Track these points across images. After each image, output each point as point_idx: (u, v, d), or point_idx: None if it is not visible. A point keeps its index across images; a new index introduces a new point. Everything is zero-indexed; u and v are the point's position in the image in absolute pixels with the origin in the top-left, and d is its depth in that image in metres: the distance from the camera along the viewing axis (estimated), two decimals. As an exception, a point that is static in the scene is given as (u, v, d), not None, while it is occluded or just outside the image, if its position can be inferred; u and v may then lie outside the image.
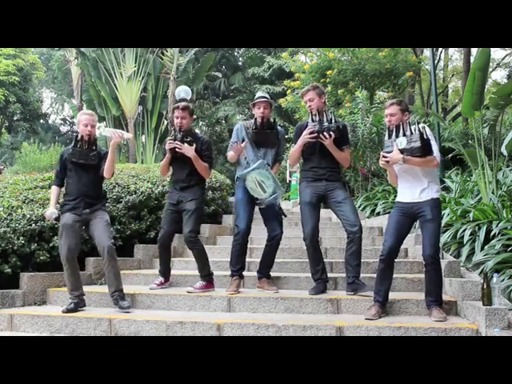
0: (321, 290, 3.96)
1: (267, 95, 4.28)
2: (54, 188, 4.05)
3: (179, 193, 4.24)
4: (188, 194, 4.22)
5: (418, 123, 3.51)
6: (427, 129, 3.57)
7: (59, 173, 4.03)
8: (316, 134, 3.84)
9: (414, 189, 3.54)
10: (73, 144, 3.94)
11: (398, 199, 3.67)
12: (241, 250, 4.15)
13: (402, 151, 3.42)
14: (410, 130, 3.46)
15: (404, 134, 3.47)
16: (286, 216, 4.26)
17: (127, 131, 16.13)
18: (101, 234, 3.83)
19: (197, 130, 22.44)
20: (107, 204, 5.07)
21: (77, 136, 3.96)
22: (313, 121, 3.90)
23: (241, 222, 4.10)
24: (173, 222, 4.30)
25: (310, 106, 3.95)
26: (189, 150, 4.10)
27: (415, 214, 3.54)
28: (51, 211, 3.92)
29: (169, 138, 4.22)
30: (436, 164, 3.52)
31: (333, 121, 3.90)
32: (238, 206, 4.16)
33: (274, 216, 4.15)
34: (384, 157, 3.50)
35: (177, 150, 4.11)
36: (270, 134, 4.17)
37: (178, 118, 4.18)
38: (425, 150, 3.41)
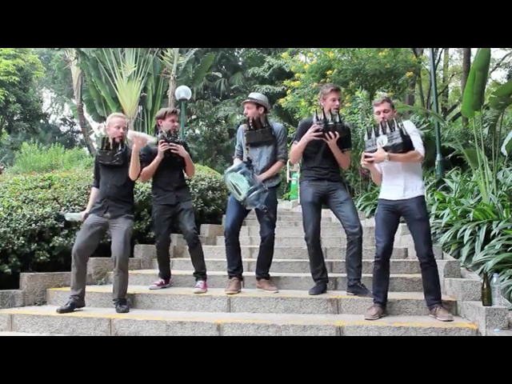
0: (321, 290, 3.96)
1: (256, 95, 4.24)
2: (93, 189, 4.16)
3: (175, 193, 4.26)
4: (183, 193, 4.33)
5: (397, 121, 3.52)
6: (410, 124, 3.61)
7: (95, 174, 4.14)
8: (321, 133, 3.83)
9: (398, 186, 3.54)
10: (100, 146, 4.05)
11: (382, 196, 3.66)
12: (232, 249, 4.15)
13: (384, 149, 3.44)
14: (390, 127, 3.47)
15: (384, 133, 3.48)
16: (270, 217, 4.07)
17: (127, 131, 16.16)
18: (115, 245, 3.85)
19: (197, 130, 22.32)
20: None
21: (103, 138, 4.03)
22: (317, 119, 3.88)
23: (227, 222, 4.15)
24: (168, 226, 4.32)
25: (337, 106, 3.92)
26: (183, 150, 4.21)
27: (401, 212, 3.56)
28: (68, 214, 4.16)
29: (160, 140, 4.18)
30: (420, 158, 3.53)
31: (337, 121, 3.87)
32: (228, 208, 4.22)
33: (263, 217, 4.12)
34: (367, 156, 3.51)
35: (172, 151, 4.15)
36: (261, 132, 4.14)
37: (174, 121, 4.27)
38: (406, 145, 3.43)
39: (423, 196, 3.56)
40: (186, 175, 4.45)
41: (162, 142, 4.15)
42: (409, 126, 3.57)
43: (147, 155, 4.23)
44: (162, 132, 4.23)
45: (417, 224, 3.47)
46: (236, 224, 4.15)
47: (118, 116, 4.09)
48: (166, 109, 4.39)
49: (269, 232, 4.13)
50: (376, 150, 3.48)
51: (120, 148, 3.97)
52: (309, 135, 3.87)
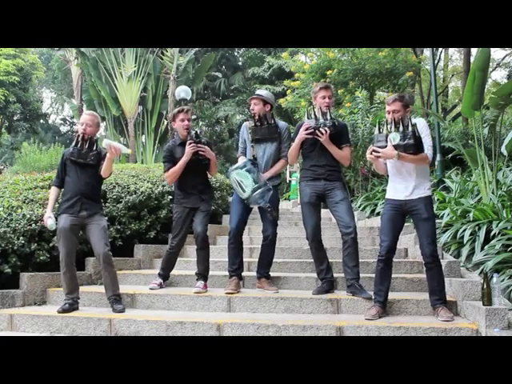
0: (324, 289, 3.95)
1: (263, 92, 4.30)
2: (54, 189, 4.05)
3: (199, 195, 4.25)
4: (207, 194, 4.33)
5: (411, 119, 3.49)
6: (423, 124, 3.56)
7: (59, 173, 4.02)
8: (312, 130, 3.84)
9: (406, 186, 3.53)
10: (73, 143, 3.97)
11: (389, 196, 3.65)
12: (235, 249, 4.16)
13: (395, 147, 3.42)
14: (404, 125, 3.44)
15: (398, 130, 3.46)
16: (274, 215, 4.08)
17: (127, 131, 16.14)
18: (97, 241, 3.83)
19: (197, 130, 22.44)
20: (107, 204, 5.07)
21: (78, 136, 3.97)
22: (309, 118, 3.91)
23: (232, 222, 4.14)
24: (186, 229, 4.32)
25: (327, 103, 3.92)
26: (211, 152, 4.20)
27: (408, 211, 3.55)
28: (51, 222, 3.86)
29: (189, 141, 4.12)
30: (428, 162, 3.52)
31: (328, 118, 3.88)
32: (231, 207, 4.22)
33: (267, 216, 4.13)
34: (375, 151, 3.48)
35: (200, 152, 4.12)
36: (266, 128, 4.17)
37: (183, 120, 4.21)
38: (417, 147, 3.42)
39: (431, 196, 3.56)
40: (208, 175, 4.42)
41: (190, 143, 4.10)
42: (422, 127, 3.52)
43: (170, 156, 4.21)
44: (190, 133, 4.16)
45: (423, 223, 3.47)
46: (241, 224, 4.16)
47: (86, 114, 4.05)
48: (175, 109, 4.33)
49: (272, 231, 4.15)
50: (385, 146, 3.45)
51: (95, 148, 3.95)
52: (301, 134, 3.90)
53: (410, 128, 3.42)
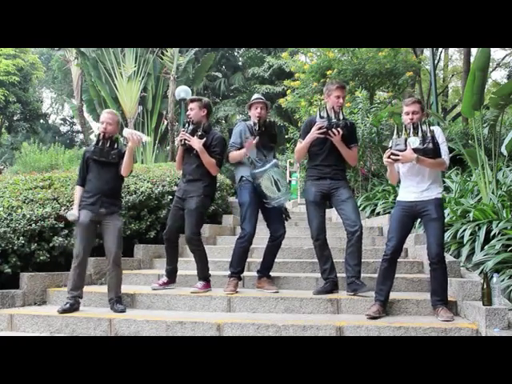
0: (326, 289, 3.95)
1: (263, 97, 4.31)
2: (78, 188, 4.09)
3: (185, 185, 4.25)
4: (192, 187, 4.18)
5: (429, 125, 3.50)
6: (439, 131, 3.59)
7: (81, 172, 4.08)
8: (325, 130, 3.83)
9: (417, 188, 3.54)
10: (95, 142, 4.03)
11: (400, 198, 3.65)
12: (245, 252, 4.15)
13: (414, 151, 3.42)
14: (422, 130, 3.45)
15: (417, 134, 3.46)
16: (290, 218, 4.25)
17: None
18: (111, 241, 3.88)
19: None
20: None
21: (99, 134, 4.02)
22: (321, 117, 3.89)
23: (248, 226, 4.08)
24: (177, 219, 4.23)
25: (341, 103, 3.94)
26: (196, 143, 4.12)
27: (418, 213, 3.55)
28: (72, 212, 3.96)
29: (182, 129, 4.26)
30: (445, 168, 3.58)
31: (341, 118, 3.88)
32: (245, 209, 4.10)
33: (278, 216, 4.16)
34: (394, 154, 3.48)
35: (186, 142, 4.16)
36: (273, 135, 4.23)
37: (191, 110, 4.27)
38: (435, 152, 3.43)
39: (441, 198, 3.57)
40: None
41: (182, 131, 4.21)
42: (439, 134, 3.55)
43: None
44: (187, 121, 4.24)
45: (432, 224, 3.47)
46: (255, 227, 4.14)
47: (107, 112, 4.09)
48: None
49: (283, 231, 4.19)
50: (404, 150, 3.45)
51: (116, 146, 4.01)
52: (313, 133, 3.88)
53: (428, 133, 3.43)
